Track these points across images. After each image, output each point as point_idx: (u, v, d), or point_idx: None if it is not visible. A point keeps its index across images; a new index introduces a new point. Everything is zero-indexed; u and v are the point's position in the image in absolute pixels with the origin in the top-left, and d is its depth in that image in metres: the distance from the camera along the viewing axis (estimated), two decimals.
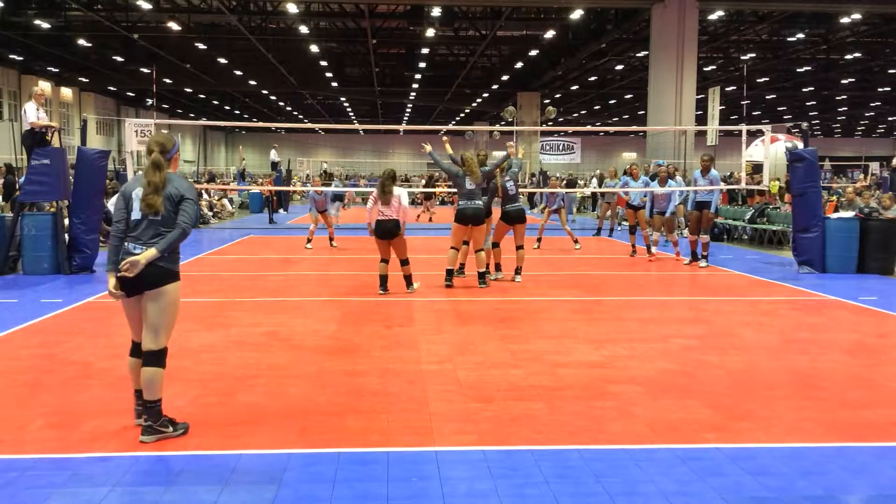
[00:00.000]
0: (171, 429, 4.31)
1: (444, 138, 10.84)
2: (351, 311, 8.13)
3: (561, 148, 45.72)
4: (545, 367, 5.86)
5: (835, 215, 12.46)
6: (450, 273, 9.65)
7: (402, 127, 55.27)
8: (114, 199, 17.60)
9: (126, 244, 4.23)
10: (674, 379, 5.58)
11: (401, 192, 8.96)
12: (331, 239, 14.78)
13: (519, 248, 10.21)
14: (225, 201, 25.27)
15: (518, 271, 10.20)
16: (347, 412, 4.74)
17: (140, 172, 4.58)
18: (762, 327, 7.47)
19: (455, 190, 10.20)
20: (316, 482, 3.71)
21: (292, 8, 24.62)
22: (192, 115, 58.95)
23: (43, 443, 4.21)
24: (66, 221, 11.05)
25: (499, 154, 10.51)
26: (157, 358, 4.23)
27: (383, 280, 9.14)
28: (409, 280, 9.24)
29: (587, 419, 4.68)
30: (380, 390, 5.20)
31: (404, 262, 9.13)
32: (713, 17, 25.75)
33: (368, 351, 6.33)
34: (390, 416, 4.69)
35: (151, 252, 4.13)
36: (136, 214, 4.24)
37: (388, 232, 8.94)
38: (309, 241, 14.58)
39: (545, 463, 3.96)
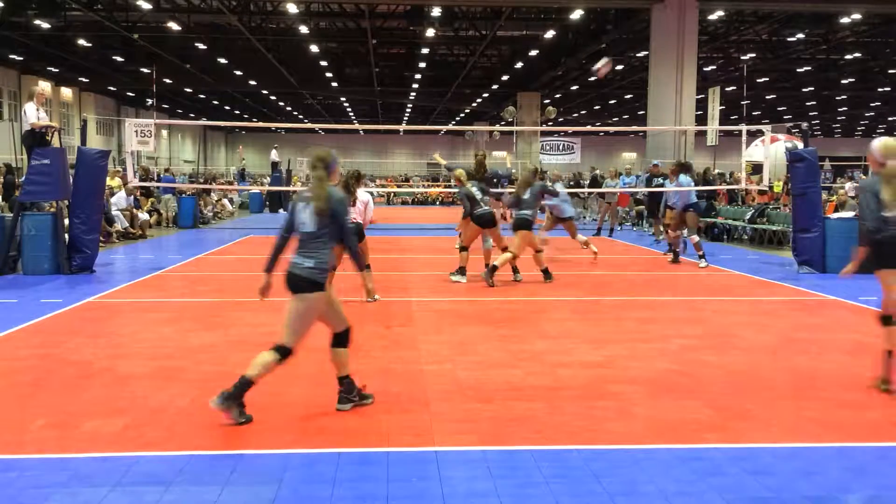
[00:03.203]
0: (358, 398, 4.83)
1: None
2: (351, 311, 8.05)
3: (561, 148, 45.71)
4: (545, 367, 5.86)
5: (835, 215, 12.46)
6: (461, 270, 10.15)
7: (402, 127, 55.26)
8: (114, 198, 17.51)
9: (293, 257, 4.62)
10: (674, 379, 5.58)
11: (367, 198, 8.51)
12: None
13: (504, 249, 10.31)
14: (225, 201, 25.28)
15: (505, 268, 10.27)
16: (347, 412, 4.74)
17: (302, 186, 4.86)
18: (762, 327, 7.47)
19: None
20: (316, 482, 3.71)
21: (292, 8, 24.61)
22: (192, 115, 58.93)
23: (43, 443, 4.21)
24: (66, 221, 11.05)
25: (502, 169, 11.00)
26: (345, 339, 4.82)
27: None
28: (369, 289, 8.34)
29: (587, 419, 4.68)
30: (380, 390, 5.20)
31: (364, 268, 8.60)
32: (713, 17, 25.73)
33: (368, 351, 6.33)
34: (390, 416, 4.68)
35: (360, 271, 5.09)
36: (304, 227, 4.59)
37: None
38: None
39: (545, 463, 3.96)
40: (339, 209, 4.60)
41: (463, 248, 10.35)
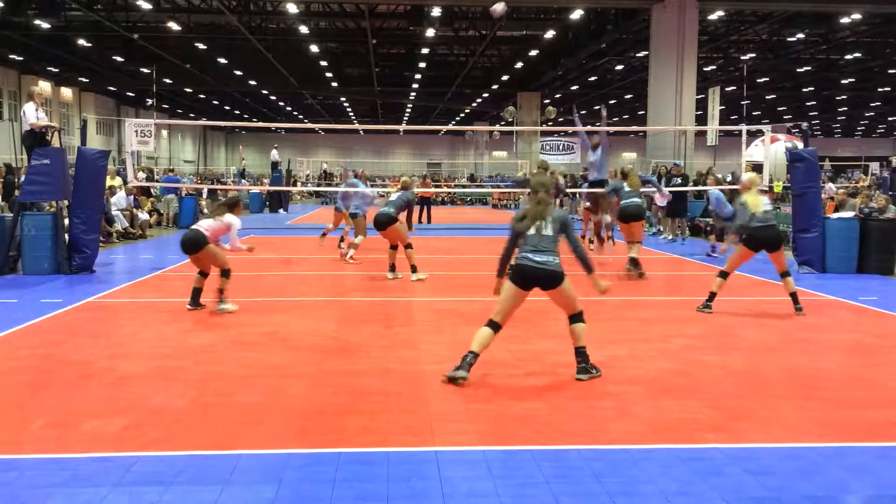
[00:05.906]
0: (594, 371, 5.55)
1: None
2: (351, 311, 8.12)
3: (561, 148, 45.71)
4: (545, 367, 5.86)
5: (835, 215, 12.45)
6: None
7: (402, 127, 55.29)
8: (114, 198, 17.45)
9: (524, 253, 5.45)
10: (674, 379, 5.58)
11: (233, 221, 8.09)
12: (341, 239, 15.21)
13: (407, 246, 10.41)
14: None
15: (414, 269, 10.34)
16: (347, 412, 4.74)
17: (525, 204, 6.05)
18: (762, 327, 7.47)
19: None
20: (316, 482, 3.70)
21: (292, 8, 24.62)
22: (192, 115, 58.94)
23: (43, 443, 4.21)
24: (66, 221, 11.04)
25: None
26: (581, 316, 5.62)
27: (195, 293, 8.06)
28: (221, 293, 8.02)
29: (587, 419, 4.68)
30: (380, 390, 5.20)
31: (223, 273, 8.00)
32: (713, 17, 25.74)
33: (368, 351, 6.33)
34: (390, 416, 4.68)
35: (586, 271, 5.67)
36: (546, 230, 5.49)
37: (188, 242, 7.85)
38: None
39: (545, 463, 3.96)
40: (567, 221, 5.66)
41: (393, 247, 10.46)
